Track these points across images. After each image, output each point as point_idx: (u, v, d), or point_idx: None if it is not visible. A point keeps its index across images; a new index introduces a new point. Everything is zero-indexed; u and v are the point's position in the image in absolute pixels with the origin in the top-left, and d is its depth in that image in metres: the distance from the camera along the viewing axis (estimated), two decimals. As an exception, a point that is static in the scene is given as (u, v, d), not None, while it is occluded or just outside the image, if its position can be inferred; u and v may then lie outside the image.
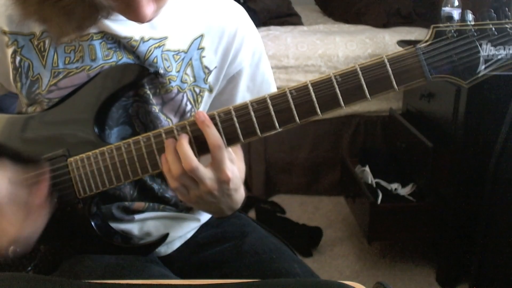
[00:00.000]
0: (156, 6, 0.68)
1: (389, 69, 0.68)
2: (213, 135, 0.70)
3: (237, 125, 0.71)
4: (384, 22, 2.75)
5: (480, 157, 1.62)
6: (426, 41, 0.68)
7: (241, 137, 0.72)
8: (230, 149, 0.73)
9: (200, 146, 0.72)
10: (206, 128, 0.70)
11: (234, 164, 0.73)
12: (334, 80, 0.69)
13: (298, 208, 2.43)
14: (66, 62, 0.79)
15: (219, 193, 0.72)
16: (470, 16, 0.69)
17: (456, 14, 1.85)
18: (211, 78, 0.86)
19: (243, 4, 2.53)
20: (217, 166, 0.71)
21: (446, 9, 1.87)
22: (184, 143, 0.70)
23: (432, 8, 2.67)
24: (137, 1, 0.64)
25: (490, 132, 1.59)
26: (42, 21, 0.74)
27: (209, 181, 0.70)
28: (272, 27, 2.74)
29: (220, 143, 0.70)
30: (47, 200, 0.75)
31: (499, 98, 1.57)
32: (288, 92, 0.70)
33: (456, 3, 1.85)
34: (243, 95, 0.90)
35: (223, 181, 0.71)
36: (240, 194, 0.78)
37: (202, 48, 0.84)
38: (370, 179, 2.01)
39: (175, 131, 0.72)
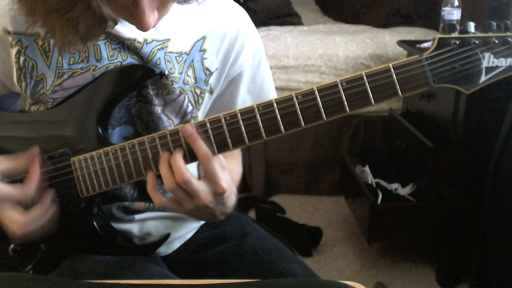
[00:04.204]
0: (159, 14, 0.68)
1: (394, 76, 0.69)
2: (202, 147, 0.71)
3: (243, 128, 0.72)
4: (384, 22, 2.75)
5: (480, 157, 1.63)
6: (430, 50, 0.70)
7: (246, 140, 0.72)
8: (220, 155, 0.73)
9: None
10: (195, 141, 0.71)
11: (225, 170, 0.74)
12: (340, 86, 0.70)
13: (298, 208, 2.43)
14: (71, 62, 0.79)
15: (214, 204, 0.73)
16: (472, 27, 0.71)
17: (456, 14, 1.85)
18: (212, 80, 0.86)
19: (243, 4, 2.53)
20: (210, 178, 0.72)
21: (446, 9, 1.87)
22: (178, 157, 0.72)
23: (432, 8, 2.67)
24: (141, 11, 0.64)
25: (490, 132, 1.59)
26: (48, 30, 0.75)
27: (203, 193, 0.71)
28: (272, 27, 2.74)
29: (209, 155, 0.71)
30: (46, 197, 0.75)
31: (499, 98, 1.57)
32: (294, 96, 0.70)
33: (456, 3, 1.86)
34: (243, 97, 0.90)
35: (218, 193, 0.72)
36: (231, 200, 0.78)
37: (204, 50, 0.84)
38: (370, 179, 2.01)
39: (181, 133, 0.73)
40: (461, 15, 1.86)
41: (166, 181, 0.71)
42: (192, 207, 0.73)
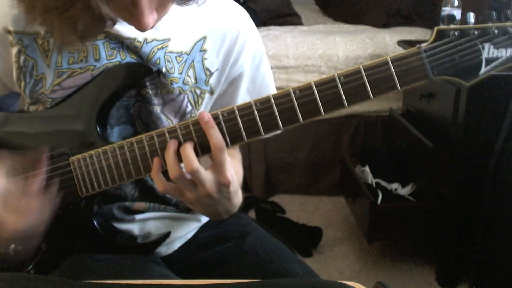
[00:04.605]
0: (158, 15, 0.68)
1: (392, 69, 0.68)
2: (216, 136, 0.70)
3: (240, 124, 0.72)
4: (384, 22, 2.75)
5: (480, 157, 1.63)
6: (429, 42, 0.69)
7: (244, 136, 0.72)
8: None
9: (202, 147, 0.72)
10: (210, 129, 0.70)
11: (230, 164, 0.73)
12: (337, 80, 0.69)
13: (298, 208, 2.43)
14: (70, 62, 0.79)
15: (218, 195, 0.73)
16: (472, 18, 0.69)
17: (456, 14, 1.85)
18: (212, 80, 0.86)
19: (243, 4, 2.53)
20: (218, 168, 0.71)
21: (446, 9, 1.87)
22: (188, 147, 0.71)
23: (432, 8, 2.67)
24: (140, 11, 0.64)
25: (490, 132, 1.59)
26: (47, 28, 0.75)
27: (209, 183, 0.71)
28: (272, 27, 2.74)
29: (223, 144, 0.70)
30: (46, 196, 0.75)
31: (499, 98, 1.57)
32: (292, 91, 0.70)
33: (456, 3, 1.86)
34: (243, 97, 0.90)
35: (223, 184, 0.72)
36: (238, 198, 0.78)
37: (205, 50, 0.84)
38: (370, 179, 2.01)
39: (178, 130, 0.73)
40: (461, 15, 1.86)
41: (171, 169, 0.71)
42: (195, 195, 0.72)
